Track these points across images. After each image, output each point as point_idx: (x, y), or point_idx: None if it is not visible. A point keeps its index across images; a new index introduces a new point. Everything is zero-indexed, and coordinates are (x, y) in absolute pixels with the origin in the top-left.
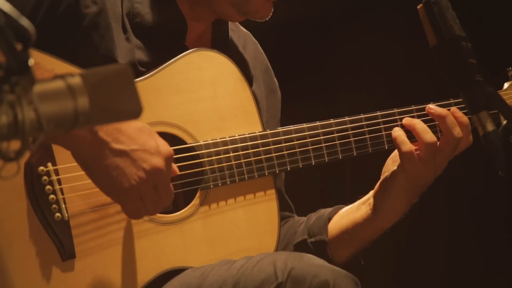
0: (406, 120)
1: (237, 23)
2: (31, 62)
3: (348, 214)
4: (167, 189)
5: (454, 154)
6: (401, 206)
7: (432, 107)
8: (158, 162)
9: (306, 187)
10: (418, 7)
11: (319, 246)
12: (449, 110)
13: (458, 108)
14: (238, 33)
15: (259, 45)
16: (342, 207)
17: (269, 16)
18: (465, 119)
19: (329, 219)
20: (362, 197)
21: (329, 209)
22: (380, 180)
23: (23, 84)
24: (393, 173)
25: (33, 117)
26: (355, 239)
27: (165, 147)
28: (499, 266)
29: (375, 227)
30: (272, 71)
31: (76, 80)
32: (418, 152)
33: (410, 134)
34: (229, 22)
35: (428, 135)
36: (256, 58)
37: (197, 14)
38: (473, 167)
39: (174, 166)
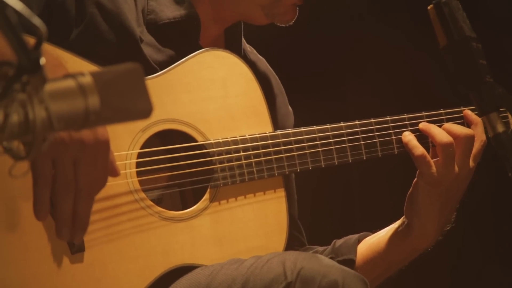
0: (423, 125)
1: (252, 48)
2: (42, 61)
3: (380, 234)
4: (90, 175)
5: (473, 153)
6: (432, 219)
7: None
8: (87, 136)
9: (314, 190)
10: (429, 7)
11: (345, 264)
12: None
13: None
14: (253, 56)
15: (273, 72)
16: (370, 234)
17: (294, 20)
18: (478, 118)
19: (359, 241)
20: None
21: (357, 234)
22: (407, 195)
23: (34, 83)
24: (415, 183)
25: (44, 116)
26: (384, 261)
27: (103, 129)
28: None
29: (407, 247)
30: (286, 97)
31: (87, 79)
32: (437, 158)
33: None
34: (243, 43)
35: (445, 136)
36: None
37: (219, 15)
38: (481, 168)
39: (115, 165)
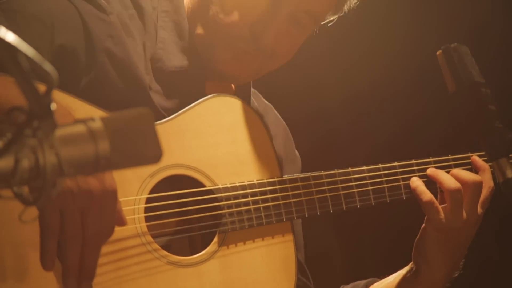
0: (431, 171)
1: (259, 94)
2: (53, 106)
3: (388, 280)
4: (97, 224)
5: (481, 200)
6: (440, 265)
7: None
8: (94, 185)
9: (322, 234)
10: (437, 53)
11: None
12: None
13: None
14: (260, 102)
15: (281, 118)
16: (378, 280)
17: (241, 78)
18: (486, 164)
19: (366, 286)
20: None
21: (365, 280)
22: (415, 241)
23: (45, 128)
24: (423, 229)
25: (55, 161)
26: None
27: (110, 178)
28: None
29: None
30: (293, 143)
31: (97, 124)
32: (445, 204)
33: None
34: (251, 90)
35: (453, 182)
36: (277, 126)
37: None
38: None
39: (123, 215)
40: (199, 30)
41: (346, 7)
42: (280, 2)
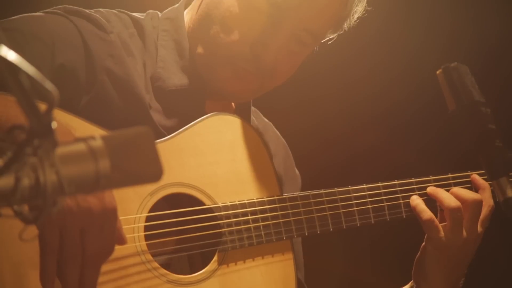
0: (430, 189)
1: (259, 113)
2: (54, 125)
3: None
4: (96, 244)
5: (481, 218)
6: (440, 284)
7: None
8: (94, 204)
9: (322, 253)
10: (437, 72)
11: None
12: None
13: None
14: (260, 120)
15: (281, 136)
16: None
17: (241, 97)
18: (486, 183)
19: None
20: None
21: None
22: (415, 259)
23: (46, 147)
24: (423, 247)
25: (55, 179)
26: None
27: (110, 197)
28: None
29: None
30: (293, 161)
31: (97, 143)
32: (445, 223)
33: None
34: (251, 108)
35: (453, 201)
36: (277, 144)
37: None
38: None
39: (123, 234)
40: (200, 49)
41: (346, 25)
42: (280, 21)
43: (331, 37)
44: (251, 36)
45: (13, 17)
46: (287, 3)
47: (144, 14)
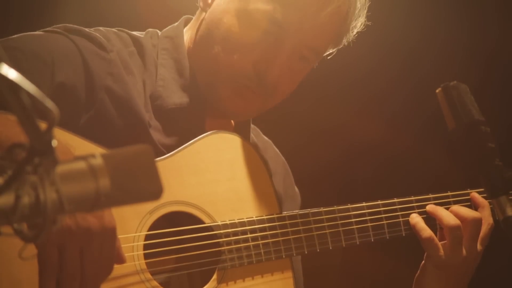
0: (430, 207)
1: (259, 130)
2: (54, 143)
3: None
4: (96, 263)
5: (481, 237)
6: None
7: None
8: (94, 224)
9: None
10: (437, 91)
11: None
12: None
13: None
14: (260, 138)
15: (280, 154)
16: None
17: (242, 115)
18: (485, 201)
19: None
20: None
21: None
22: (415, 277)
23: (46, 165)
24: (423, 266)
25: (55, 197)
26: None
27: (109, 215)
28: None
29: None
30: (292, 179)
31: (97, 161)
32: (444, 241)
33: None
34: (251, 126)
35: (452, 219)
36: (277, 162)
37: None
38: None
39: (122, 252)
40: (201, 68)
41: (345, 40)
42: (283, 38)
43: (331, 51)
44: (254, 55)
45: (13, 36)
46: (289, 21)
47: (144, 32)
